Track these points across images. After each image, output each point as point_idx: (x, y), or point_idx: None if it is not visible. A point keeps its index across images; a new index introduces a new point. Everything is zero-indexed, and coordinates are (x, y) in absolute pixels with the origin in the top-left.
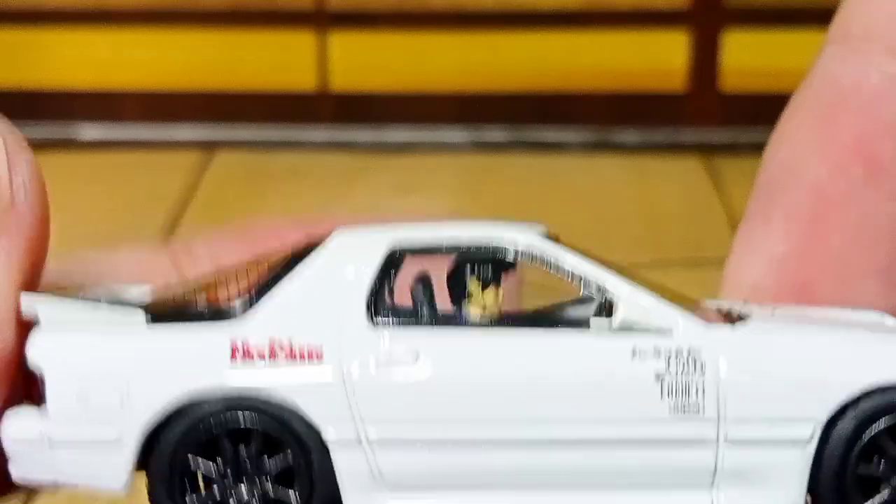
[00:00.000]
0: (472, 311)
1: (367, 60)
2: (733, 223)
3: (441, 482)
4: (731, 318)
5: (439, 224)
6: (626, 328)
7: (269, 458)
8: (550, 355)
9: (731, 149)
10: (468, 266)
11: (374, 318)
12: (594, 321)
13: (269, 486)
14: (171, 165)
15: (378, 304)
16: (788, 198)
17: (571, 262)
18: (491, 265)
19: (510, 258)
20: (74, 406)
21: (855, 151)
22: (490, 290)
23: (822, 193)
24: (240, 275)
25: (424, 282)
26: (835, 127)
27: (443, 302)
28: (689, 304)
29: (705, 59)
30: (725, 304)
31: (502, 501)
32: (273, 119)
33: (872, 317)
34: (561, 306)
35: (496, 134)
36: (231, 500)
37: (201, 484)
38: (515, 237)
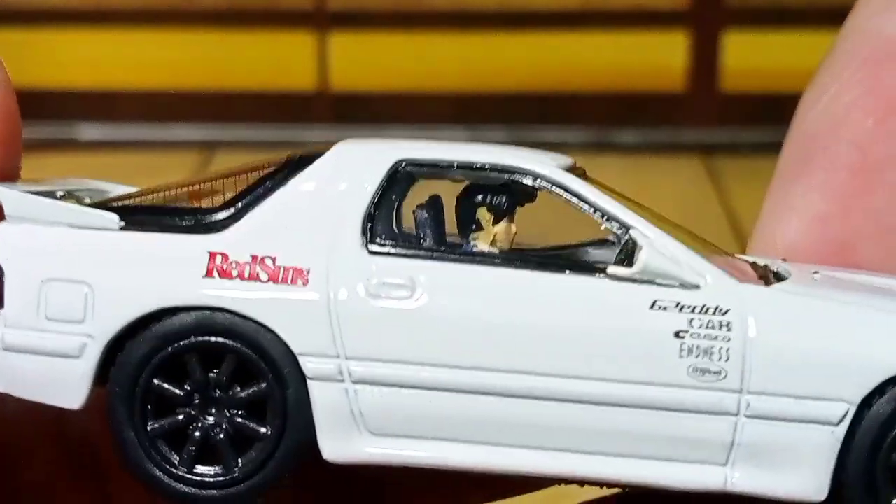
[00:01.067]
0: (480, 243)
1: (366, 60)
2: (733, 222)
3: (427, 431)
4: (766, 276)
5: (455, 145)
6: (649, 278)
7: (240, 387)
8: (559, 300)
9: (731, 149)
10: (481, 193)
11: (370, 242)
12: (612, 267)
13: (238, 417)
14: (170, 165)
15: (376, 225)
16: (829, 153)
17: (596, 197)
18: (506, 194)
19: (529, 187)
20: (33, 308)
21: None
22: (502, 223)
23: (867, 149)
24: (228, 181)
25: (430, 205)
26: (880, 79)
27: (449, 229)
28: (721, 256)
29: (705, 59)
30: (762, 261)
31: (491, 460)
32: (272, 119)
33: None
34: (578, 247)
35: (495, 134)
36: (196, 430)
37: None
38: (538, 165)
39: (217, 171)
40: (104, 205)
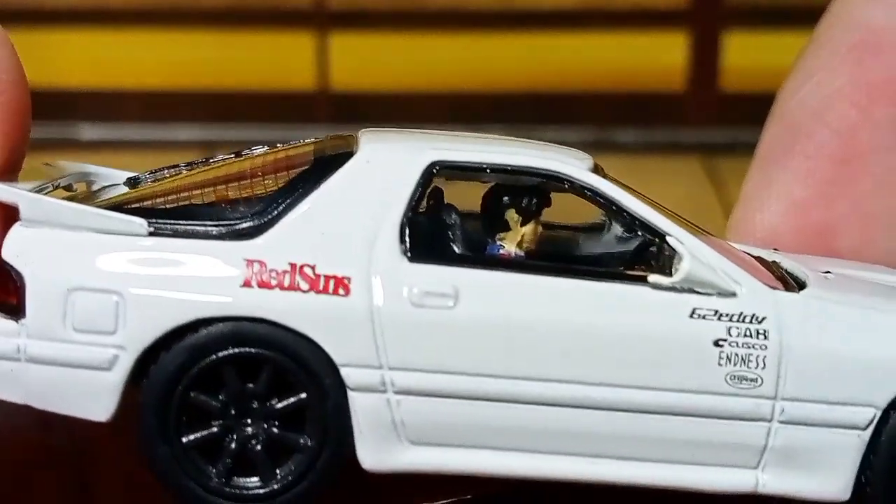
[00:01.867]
0: (508, 244)
1: (366, 60)
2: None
3: (468, 439)
4: (784, 278)
5: (486, 143)
6: (689, 286)
7: (279, 398)
8: (601, 309)
9: (731, 149)
10: (510, 194)
11: (410, 249)
12: (653, 276)
13: (276, 429)
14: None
15: (413, 231)
16: (812, 139)
17: (631, 203)
18: (536, 196)
19: (559, 190)
20: (59, 318)
21: (886, 93)
22: (530, 224)
23: (850, 136)
24: (255, 179)
25: (442, 200)
26: (864, 68)
27: (478, 230)
28: (743, 257)
29: (705, 59)
30: (754, 251)
31: (531, 466)
32: (272, 119)
33: None
34: (588, 233)
35: (495, 134)
36: (232, 441)
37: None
38: (570, 168)
39: (228, 164)
40: (124, 206)
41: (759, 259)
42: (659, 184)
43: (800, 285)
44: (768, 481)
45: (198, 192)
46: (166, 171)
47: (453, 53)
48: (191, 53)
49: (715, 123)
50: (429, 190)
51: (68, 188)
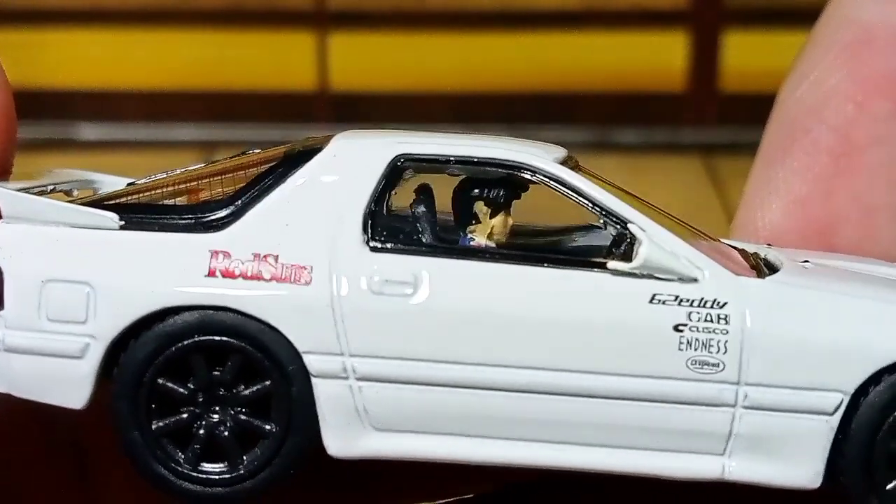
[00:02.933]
0: (478, 236)
1: (366, 60)
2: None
3: (430, 426)
4: (758, 266)
5: (453, 138)
6: (648, 272)
7: (245, 385)
8: (560, 295)
9: (731, 148)
10: (478, 186)
11: (371, 238)
12: (612, 262)
13: (242, 415)
14: (170, 165)
15: (376, 221)
16: (810, 137)
17: (593, 191)
18: (503, 188)
19: (526, 181)
20: (34, 309)
21: (882, 88)
22: (500, 216)
23: (848, 132)
24: (227, 176)
25: (425, 198)
26: (860, 64)
27: (444, 220)
28: (711, 246)
29: (705, 59)
30: (751, 248)
31: (495, 453)
32: (272, 119)
33: None
34: (570, 233)
35: (495, 134)
36: (201, 428)
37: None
38: (535, 159)
39: (213, 166)
40: (101, 203)
41: (738, 250)
42: (659, 183)
43: (773, 273)
44: (735, 468)
45: (172, 188)
46: (165, 175)
47: (453, 53)
48: (191, 53)
49: (715, 123)
50: (399, 183)
51: (69, 193)
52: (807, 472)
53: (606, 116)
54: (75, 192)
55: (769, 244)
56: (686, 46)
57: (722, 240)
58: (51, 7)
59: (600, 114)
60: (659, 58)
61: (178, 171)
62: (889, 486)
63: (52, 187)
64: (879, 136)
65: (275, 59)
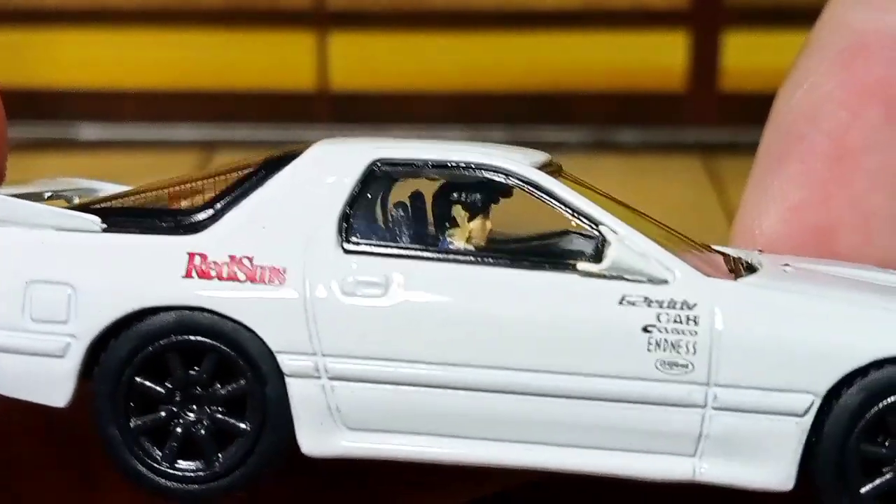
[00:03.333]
0: (456, 240)
1: (366, 60)
2: (733, 223)
3: (402, 425)
4: (737, 270)
5: (433, 144)
6: (618, 273)
7: (221, 384)
8: (530, 296)
9: (731, 148)
10: (455, 191)
11: (346, 241)
12: (582, 263)
13: (219, 414)
14: (170, 165)
15: (352, 224)
16: (805, 143)
17: (566, 194)
18: (480, 192)
19: (501, 185)
20: (18, 309)
21: (875, 94)
22: (477, 220)
23: (842, 137)
24: (209, 182)
25: (409, 203)
26: (854, 70)
27: (426, 226)
28: (696, 249)
29: (705, 59)
30: (738, 253)
31: (465, 453)
32: (272, 119)
33: (894, 279)
34: (553, 238)
35: (495, 134)
36: (178, 426)
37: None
38: (509, 163)
39: (199, 173)
40: (87, 207)
41: (723, 255)
42: (659, 183)
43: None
44: (706, 470)
45: (157, 193)
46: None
47: (453, 53)
48: (191, 53)
49: (715, 123)
50: (382, 187)
51: (69, 200)
52: (779, 473)
53: (606, 116)
54: (76, 200)
55: (761, 250)
56: (686, 46)
57: (713, 247)
58: (51, 7)
59: (600, 114)
60: (659, 58)
61: (169, 178)
62: (863, 490)
63: (49, 194)
64: (874, 141)
65: (275, 59)
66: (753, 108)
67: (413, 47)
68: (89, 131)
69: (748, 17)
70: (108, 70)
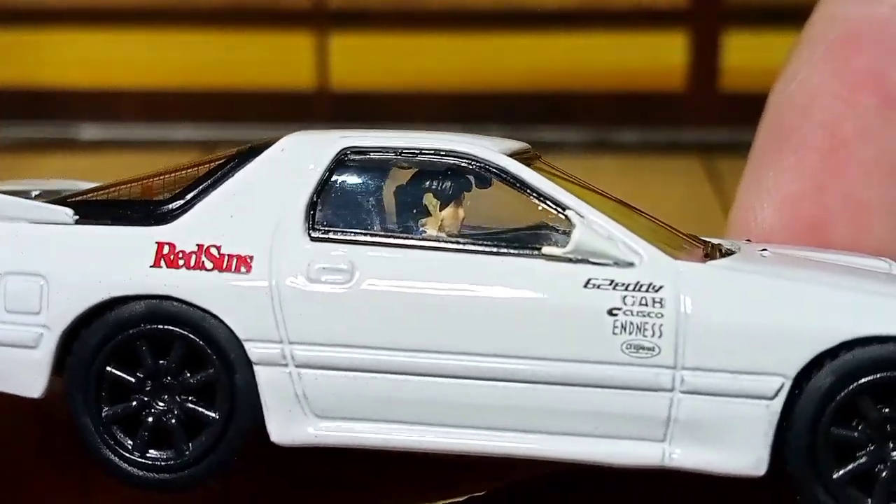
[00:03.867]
0: (429, 228)
1: (366, 60)
2: (728, 214)
3: (369, 412)
4: (713, 255)
5: (402, 133)
6: (583, 256)
7: (190, 373)
8: (494, 281)
9: (731, 148)
10: (425, 179)
11: (313, 228)
12: (547, 247)
13: (188, 402)
14: (170, 165)
15: (319, 212)
16: (799, 135)
17: (534, 180)
18: (450, 180)
19: (468, 171)
20: None
21: (868, 84)
22: (449, 208)
23: (835, 128)
24: (182, 174)
25: (382, 192)
26: (846, 61)
27: (396, 214)
28: (676, 237)
29: (705, 59)
30: (723, 242)
31: (432, 440)
32: (272, 118)
33: (880, 264)
34: (528, 230)
35: (495, 134)
36: (149, 415)
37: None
38: (477, 149)
39: (174, 165)
40: (63, 200)
41: (704, 242)
42: (659, 183)
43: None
44: (677, 455)
45: (127, 186)
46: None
47: (453, 53)
48: (191, 53)
49: (715, 123)
50: (352, 176)
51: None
52: (749, 458)
53: (606, 116)
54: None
55: (749, 240)
56: (686, 46)
57: (699, 237)
58: (51, 7)
59: (600, 114)
60: (659, 58)
61: (146, 172)
62: (836, 476)
63: (37, 192)
64: (867, 131)
65: (275, 59)
66: (753, 108)
67: (413, 47)
68: (89, 131)
69: (748, 17)
70: (108, 70)
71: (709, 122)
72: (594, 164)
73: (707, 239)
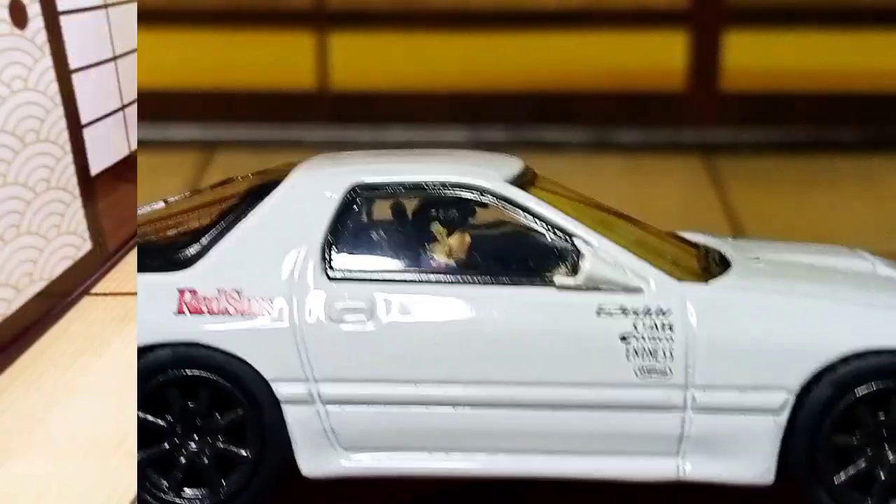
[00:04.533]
0: (438, 255)
1: (366, 60)
2: (733, 223)
3: (396, 443)
4: (708, 265)
5: (409, 163)
6: (593, 285)
7: (220, 414)
8: (511, 312)
9: (731, 149)
10: (433, 208)
11: (330, 266)
12: (559, 277)
13: (219, 442)
14: (170, 165)
15: (334, 251)
16: None
17: (540, 208)
18: (456, 208)
19: (477, 201)
20: None
21: None
22: (456, 235)
23: None
24: (193, 213)
25: (387, 224)
26: None
27: (408, 241)
28: (673, 247)
29: (705, 59)
30: (709, 240)
31: (459, 465)
32: (272, 119)
33: (863, 264)
34: (526, 251)
35: (495, 134)
36: (181, 456)
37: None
38: (483, 180)
39: (187, 203)
40: None
41: (694, 245)
42: (659, 184)
43: (724, 271)
44: (690, 468)
45: (148, 227)
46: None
47: (453, 53)
48: (191, 53)
49: (715, 123)
50: (362, 211)
51: None
52: (759, 469)
53: (606, 116)
54: None
55: (734, 236)
56: (686, 46)
57: (686, 234)
58: None
59: (600, 114)
60: (659, 58)
61: (162, 205)
62: (838, 481)
63: None
64: None
65: (275, 59)
66: (754, 108)
67: (413, 47)
68: None
69: (748, 17)
70: None
71: (709, 122)
72: (594, 164)
73: (697, 240)
